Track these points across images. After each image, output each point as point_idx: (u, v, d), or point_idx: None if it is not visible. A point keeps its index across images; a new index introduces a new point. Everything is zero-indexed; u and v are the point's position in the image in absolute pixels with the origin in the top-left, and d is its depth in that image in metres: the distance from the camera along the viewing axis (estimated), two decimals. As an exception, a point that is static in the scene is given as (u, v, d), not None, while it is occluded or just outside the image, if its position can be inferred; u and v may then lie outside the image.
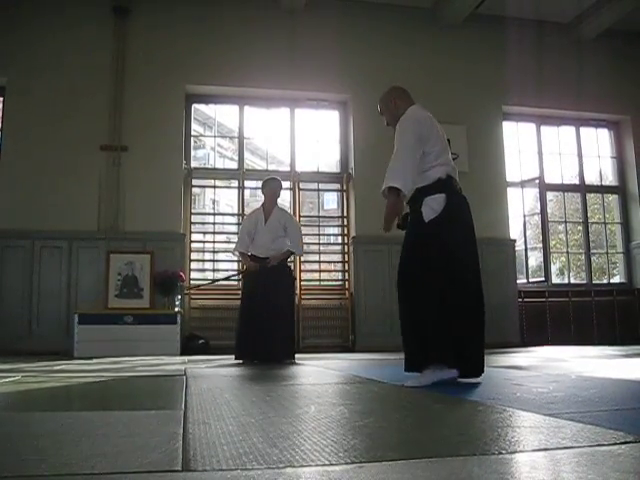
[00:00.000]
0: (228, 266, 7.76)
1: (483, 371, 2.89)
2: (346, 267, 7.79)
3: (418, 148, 2.98)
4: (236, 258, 5.41)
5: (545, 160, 8.78)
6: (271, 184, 5.26)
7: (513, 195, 8.43)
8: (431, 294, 2.88)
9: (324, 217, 8.74)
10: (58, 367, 4.53)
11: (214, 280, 7.11)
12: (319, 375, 3.28)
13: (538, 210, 8.74)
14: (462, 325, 2.84)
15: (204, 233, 8.02)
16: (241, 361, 4.92)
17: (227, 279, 7.06)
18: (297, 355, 5.24)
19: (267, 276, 4.98)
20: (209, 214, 8.69)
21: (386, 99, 3.37)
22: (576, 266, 9.90)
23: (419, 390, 2.62)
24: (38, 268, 6.79)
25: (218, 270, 7.66)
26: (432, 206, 2.98)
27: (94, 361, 5.27)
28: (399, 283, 3.06)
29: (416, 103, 3.28)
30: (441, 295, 2.87)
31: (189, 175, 7.64)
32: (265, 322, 4.87)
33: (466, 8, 7.96)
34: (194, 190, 8.07)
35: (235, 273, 7.13)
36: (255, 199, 5.36)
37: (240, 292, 5.29)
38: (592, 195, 9.26)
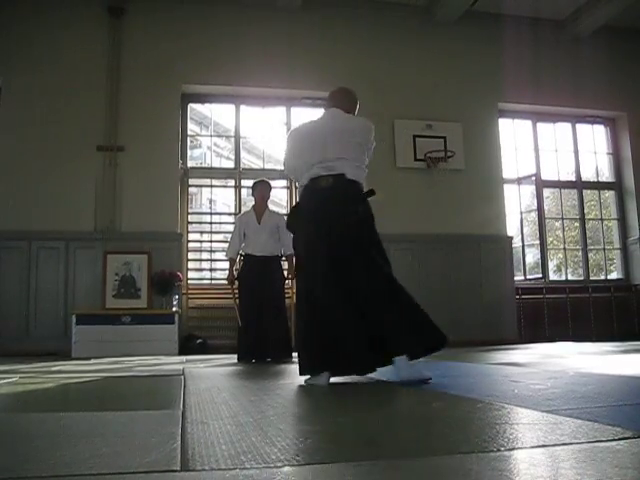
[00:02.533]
0: (225, 265, 7.72)
1: (365, 371, 2.86)
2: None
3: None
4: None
5: (541, 157, 8.79)
6: (260, 187, 5.35)
7: (510, 192, 8.44)
8: (300, 300, 3.06)
9: (321, 216, 8.72)
10: (56, 368, 4.52)
11: None
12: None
13: (535, 207, 8.75)
14: (325, 325, 2.85)
15: (201, 233, 8.01)
16: (242, 361, 4.93)
17: None
18: (295, 354, 5.24)
19: (263, 276, 5.01)
20: (206, 213, 8.69)
21: None
22: (573, 262, 9.92)
23: (417, 388, 2.62)
24: (35, 269, 6.77)
25: (215, 269, 7.65)
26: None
27: (92, 361, 5.26)
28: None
29: (340, 105, 3.31)
30: (306, 299, 2.98)
31: (186, 175, 7.63)
32: (264, 322, 4.90)
33: (462, 5, 7.96)
34: (191, 190, 8.06)
35: None
36: (251, 198, 5.43)
37: (237, 292, 5.29)
38: (589, 191, 9.28)
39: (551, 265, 9.85)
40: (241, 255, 5.30)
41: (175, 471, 1.19)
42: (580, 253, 9.04)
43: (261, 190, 5.32)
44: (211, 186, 8.22)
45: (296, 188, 7.85)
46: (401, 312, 2.88)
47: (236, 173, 7.85)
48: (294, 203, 3.10)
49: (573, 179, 9.04)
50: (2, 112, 7.07)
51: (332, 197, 3.05)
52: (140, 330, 6.40)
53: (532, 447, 1.34)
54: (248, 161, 9.27)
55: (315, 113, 8.24)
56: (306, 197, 3.13)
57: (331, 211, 3.03)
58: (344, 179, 3.06)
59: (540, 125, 8.86)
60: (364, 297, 2.88)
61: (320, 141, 3.14)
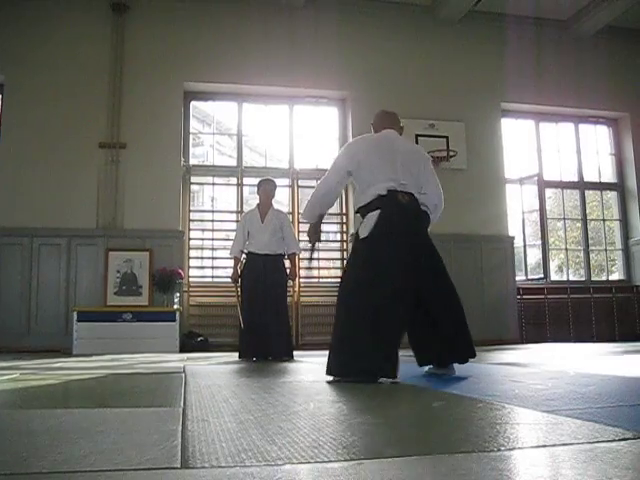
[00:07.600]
0: (227, 263, 7.75)
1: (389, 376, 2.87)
2: (345, 265, 7.77)
3: (341, 170, 3.21)
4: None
5: (544, 157, 8.79)
6: (264, 186, 5.34)
7: (512, 192, 8.43)
8: (358, 310, 2.92)
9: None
10: (57, 364, 4.53)
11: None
12: (318, 372, 3.27)
13: (537, 207, 8.73)
14: (383, 336, 2.84)
15: (203, 230, 8.01)
16: (242, 359, 4.94)
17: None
18: (296, 352, 5.25)
19: (266, 274, 5.00)
20: (208, 211, 8.68)
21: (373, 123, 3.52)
22: (575, 263, 9.91)
23: (418, 387, 2.62)
24: (37, 265, 6.78)
25: (217, 267, 7.65)
26: (368, 223, 3.06)
27: (93, 358, 5.26)
28: (338, 297, 3.14)
29: (393, 127, 3.37)
30: (367, 311, 2.90)
31: (188, 172, 7.64)
32: (265, 320, 4.90)
33: (465, 5, 7.95)
34: (193, 187, 8.07)
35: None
36: (254, 196, 5.42)
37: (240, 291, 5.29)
38: (591, 192, 9.26)
39: (552, 265, 9.84)
40: (245, 253, 5.29)
41: (175, 468, 1.19)
42: (582, 254, 9.03)
43: (266, 189, 5.32)
44: (213, 184, 8.23)
45: (298, 186, 7.88)
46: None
47: (238, 171, 7.85)
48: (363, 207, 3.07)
49: (575, 179, 9.03)
50: (5, 109, 7.08)
51: (413, 212, 3.14)
52: (141, 327, 6.41)
53: (532, 447, 1.34)
54: (250, 159, 9.28)
55: (317, 111, 8.25)
56: (388, 207, 3.06)
57: (416, 226, 3.17)
58: (415, 198, 3.16)
59: (543, 125, 8.85)
60: (435, 311, 3.15)
61: (389, 158, 3.16)
